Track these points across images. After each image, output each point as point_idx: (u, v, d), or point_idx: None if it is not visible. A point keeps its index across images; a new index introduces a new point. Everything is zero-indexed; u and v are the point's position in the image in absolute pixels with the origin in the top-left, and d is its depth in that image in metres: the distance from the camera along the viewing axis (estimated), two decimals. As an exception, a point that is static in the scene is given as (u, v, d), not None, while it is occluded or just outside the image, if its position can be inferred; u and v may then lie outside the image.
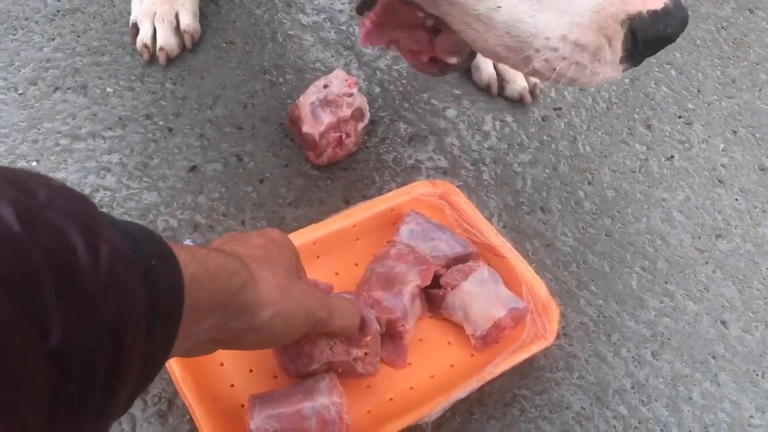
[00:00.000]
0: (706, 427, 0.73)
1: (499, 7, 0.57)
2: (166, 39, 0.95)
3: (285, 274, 0.53)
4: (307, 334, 0.57)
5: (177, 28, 0.96)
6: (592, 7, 0.56)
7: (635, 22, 0.57)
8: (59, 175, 0.83)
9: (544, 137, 0.97)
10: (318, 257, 0.78)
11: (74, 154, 0.86)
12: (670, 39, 0.59)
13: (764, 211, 0.92)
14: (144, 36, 0.95)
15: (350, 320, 0.60)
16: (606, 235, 0.87)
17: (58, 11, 1.01)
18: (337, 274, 0.78)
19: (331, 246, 0.78)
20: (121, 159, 0.86)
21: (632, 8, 0.56)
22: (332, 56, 1.01)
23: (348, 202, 0.85)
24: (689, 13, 0.60)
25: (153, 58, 0.96)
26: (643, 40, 0.57)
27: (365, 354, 0.63)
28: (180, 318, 0.38)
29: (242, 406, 0.67)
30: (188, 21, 0.97)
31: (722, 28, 1.15)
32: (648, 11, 0.57)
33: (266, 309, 0.49)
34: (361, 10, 0.70)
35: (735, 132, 1.01)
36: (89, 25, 0.99)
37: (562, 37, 0.57)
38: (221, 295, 0.44)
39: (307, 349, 0.60)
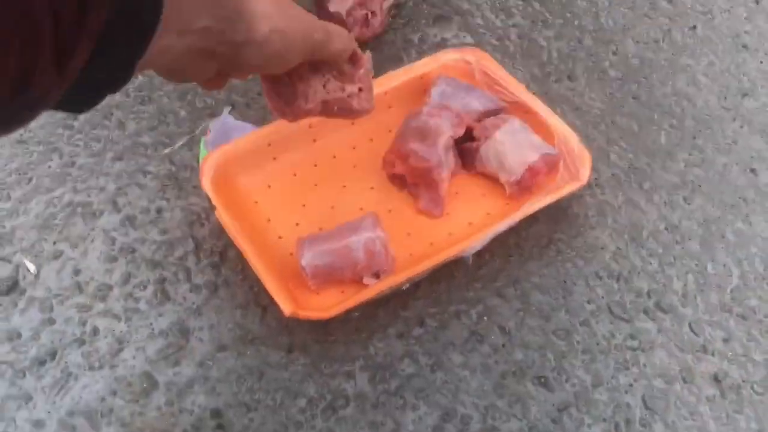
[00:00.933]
0: (740, 261, 0.75)
1: None
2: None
3: None
4: (305, 62, 0.55)
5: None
6: None
7: None
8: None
9: (567, 14, 0.98)
10: (352, 124, 0.80)
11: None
12: None
13: (790, 71, 0.93)
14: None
15: (347, 43, 0.57)
16: (633, 98, 0.89)
17: None
18: (371, 140, 0.80)
19: (364, 112, 0.80)
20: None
21: None
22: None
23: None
24: None
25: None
26: None
27: (359, 89, 0.60)
28: None
29: (291, 254, 0.70)
30: None
31: None
32: None
33: (263, 21, 0.47)
34: None
35: (757, 2, 1.01)
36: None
37: None
38: None
39: (302, 88, 0.58)
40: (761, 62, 0.94)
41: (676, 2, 1.01)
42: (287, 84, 0.58)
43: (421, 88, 0.83)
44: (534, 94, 0.87)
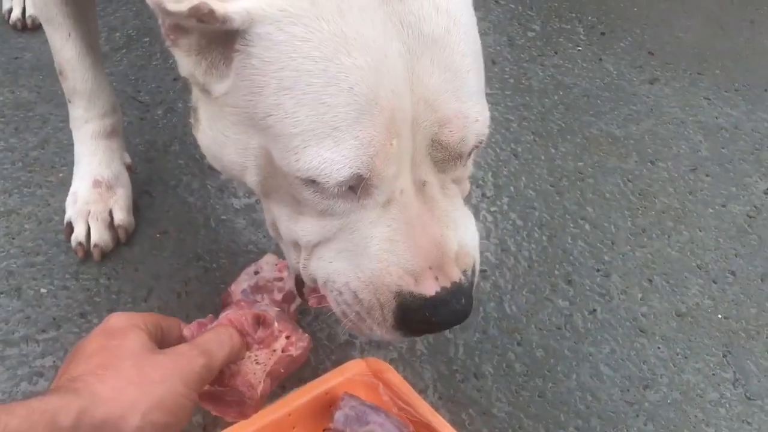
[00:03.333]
0: None
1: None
2: (100, 236, 0.98)
3: (134, 364, 0.52)
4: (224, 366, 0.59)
5: (111, 224, 0.99)
6: (372, 269, 0.60)
7: (405, 298, 0.60)
8: (-11, 386, 0.83)
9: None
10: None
11: (6, 361, 0.86)
12: (437, 326, 0.62)
13: (686, 357, 0.97)
14: (78, 235, 0.98)
15: (231, 343, 0.60)
16: (539, 396, 0.90)
17: (-7, 214, 1.03)
18: (276, 466, 0.77)
19: (267, 438, 0.78)
20: (54, 362, 0.86)
21: (404, 285, 0.59)
22: (264, 237, 1.05)
23: (284, 387, 0.86)
24: (470, 308, 0.62)
25: (88, 255, 0.98)
26: (410, 318, 0.60)
27: (287, 338, 0.65)
28: None
29: None
30: (122, 216, 1.00)
31: (628, 180, 1.25)
32: (417, 294, 0.59)
33: (130, 416, 0.48)
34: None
35: (651, 280, 1.07)
36: (24, 227, 1.02)
37: (344, 283, 0.63)
38: None
39: (240, 381, 0.60)
40: (658, 347, 0.98)
41: (575, 283, 1.05)
42: (223, 390, 0.61)
43: (327, 403, 0.82)
44: (441, 398, 0.87)
